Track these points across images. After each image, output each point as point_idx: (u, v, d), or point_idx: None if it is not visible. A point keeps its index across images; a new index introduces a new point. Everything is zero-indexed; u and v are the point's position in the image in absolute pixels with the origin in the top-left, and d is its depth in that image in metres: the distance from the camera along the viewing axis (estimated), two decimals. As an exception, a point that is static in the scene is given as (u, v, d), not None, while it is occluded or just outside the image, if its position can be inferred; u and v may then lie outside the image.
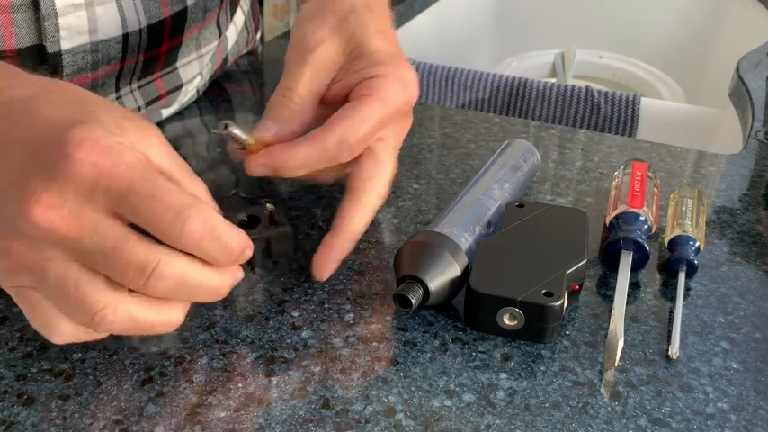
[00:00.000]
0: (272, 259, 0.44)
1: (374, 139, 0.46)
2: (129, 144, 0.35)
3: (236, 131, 0.43)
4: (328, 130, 0.44)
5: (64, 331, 0.37)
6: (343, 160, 0.45)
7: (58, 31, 0.51)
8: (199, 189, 0.39)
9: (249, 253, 0.39)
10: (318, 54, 0.47)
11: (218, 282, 0.38)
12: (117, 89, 0.60)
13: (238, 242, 0.37)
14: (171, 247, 0.35)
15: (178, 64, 0.65)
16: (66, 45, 0.52)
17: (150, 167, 0.35)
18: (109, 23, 0.54)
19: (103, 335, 0.38)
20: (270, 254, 0.43)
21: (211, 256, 0.37)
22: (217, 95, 0.72)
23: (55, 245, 0.34)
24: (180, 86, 0.66)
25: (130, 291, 0.36)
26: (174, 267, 0.35)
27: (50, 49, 0.52)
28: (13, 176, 0.34)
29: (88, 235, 0.34)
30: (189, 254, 0.36)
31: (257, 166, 0.45)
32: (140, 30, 0.56)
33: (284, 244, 0.43)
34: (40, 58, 0.52)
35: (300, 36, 0.48)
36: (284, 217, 0.44)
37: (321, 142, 0.44)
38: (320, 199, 0.56)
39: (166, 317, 0.37)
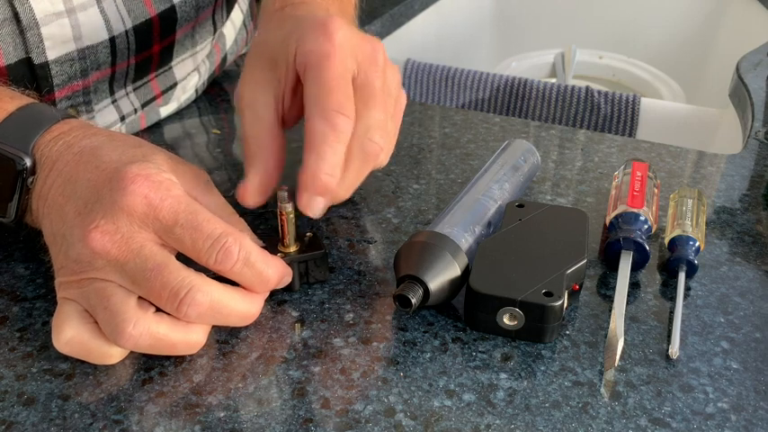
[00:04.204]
0: (310, 282, 0.47)
1: (345, 88, 0.45)
2: (181, 183, 0.40)
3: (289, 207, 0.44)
4: (309, 125, 0.43)
5: (62, 337, 0.39)
6: (348, 126, 0.43)
7: (41, 41, 0.51)
8: (240, 226, 0.44)
9: (288, 279, 0.44)
10: (251, 105, 0.47)
11: (248, 308, 0.41)
12: (112, 93, 0.60)
13: (275, 269, 0.42)
14: (212, 277, 0.39)
15: (173, 63, 0.64)
16: (52, 55, 0.52)
17: (194, 202, 0.40)
18: (93, 28, 0.54)
19: (120, 350, 0.40)
20: (308, 277, 0.46)
21: (247, 281, 0.40)
22: (216, 95, 0.72)
23: (104, 265, 0.38)
24: (174, 85, 0.66)
25: (157, 311, 0.39)
26: (207, 294, 0.38)
27: (37, 60, 0.51)
28: (79, 208, 0.39)
29: (133, 258, 0.38)
30: (226, 282, 0.40)
31: (311, 209, 0.44)
32: (126, 32, 0.56)
33: (321, 267, 0.46)
34: (30, 72, 0.52)
35: (241, 80, 0.48)
36: (321, 241, 0.46)
37: (314, 133, 0.43)
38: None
39: (188, 337, 0.40)
